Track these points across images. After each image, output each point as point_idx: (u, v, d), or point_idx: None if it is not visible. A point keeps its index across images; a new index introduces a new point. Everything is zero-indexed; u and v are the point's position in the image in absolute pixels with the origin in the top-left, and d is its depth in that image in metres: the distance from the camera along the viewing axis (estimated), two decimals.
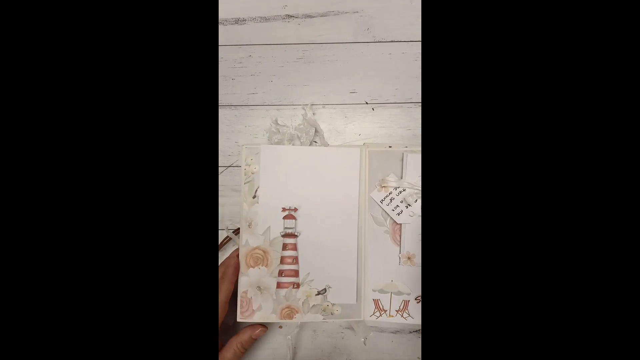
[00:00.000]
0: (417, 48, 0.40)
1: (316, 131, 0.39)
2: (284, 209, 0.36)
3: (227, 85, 0.40)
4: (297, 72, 0.40)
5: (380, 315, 0.36)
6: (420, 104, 0.40)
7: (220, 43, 0.40)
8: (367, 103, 0.40)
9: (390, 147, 0.37)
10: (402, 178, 0.36)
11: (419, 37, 0.40)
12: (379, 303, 0.36)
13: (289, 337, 0.37)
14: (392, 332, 0.39)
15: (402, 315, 0.36)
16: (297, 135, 0.37)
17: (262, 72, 0.40)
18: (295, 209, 0.36)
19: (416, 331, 0.39)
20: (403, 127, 0.40)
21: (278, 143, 0.37)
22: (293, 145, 0.37)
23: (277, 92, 0.40)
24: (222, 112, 0.40)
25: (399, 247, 0.36)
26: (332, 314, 0.36)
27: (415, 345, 0.39)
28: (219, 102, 0.40)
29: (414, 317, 0.36)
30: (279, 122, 0.39)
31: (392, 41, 0.40)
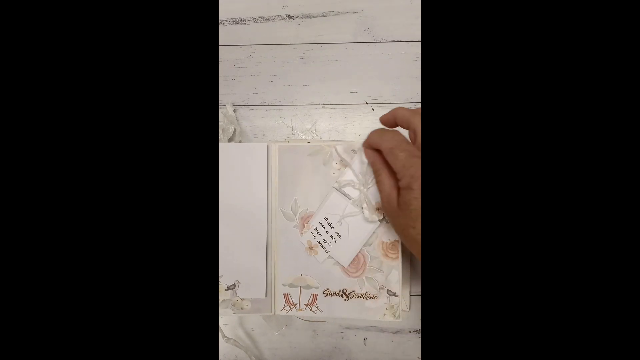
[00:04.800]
0: (417, 48, 0.40)
1: (235, 130, 0.39)
2: None
3: (227, 85, 0.40)
4: (297, 72, 0.40)
5: (291, 309, 0.37)
6: (420, 104, 0.40)
7: (220, 43, 0.40)
8: (367, 103, 0.40)
9: (308, 141, 0.38)
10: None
11: (419, 37, 0.40)
12: (289, 297, 0.37)
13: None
14: (392, 332, 0.39)
15: (310, 309, 0.36)
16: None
17: (262, 72, 0.40)
18: None
19: (416, 331, 0.39)
20: None
21: None
22: None
23: (277, 92, 0.40)
24: (222, 112, 0.40)
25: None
26: (241, 309, 0.36)
27: (415, 345, 0.39)
28: (219, 102, 0.40)
29: (323, 310, 0.36)
30: None
31: (392, 41, 0.40)
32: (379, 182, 0.32)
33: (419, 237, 0.28)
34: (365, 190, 0.35)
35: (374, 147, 0.32)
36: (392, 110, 0.32)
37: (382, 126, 0.33)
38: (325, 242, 0.36)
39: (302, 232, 0.36)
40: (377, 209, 0.35)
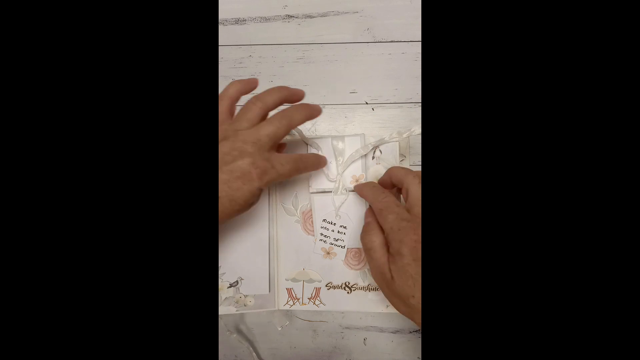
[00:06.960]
0: (417, 48, 0.40)
1: None
2: None
3: None
4: (297, 72, 0.40)
5: (294, 303, 0.37)
6: (420, 104, 0.40)
7: (220, 43, 0.40)
8: (367, 103, 0.40)
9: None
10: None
11: (419, 37, 0.40)
12: (292, 292, 0.37)
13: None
14: (392, 332, 0.39)
15: (314, 303, 0.37)
16: None
17: (262, 72, 0.40)
18: None
19: (416, 331, 0.39)
20: (403, 127, 0.40)
21: None
22: None
23: None
24: None
25: (310, 236, 0.37)
26: (245, 306, 0.36)
27: (415, 345, 0.39)
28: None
29: (326, 303, 0.36)
30: None
31: (392, 41, 0.40)
32: (368, 248, 0.30)
33: (420, 305, 0.26)
34: (340, 176, 0.36)
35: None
36: (387, 170, 0.32)
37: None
38: (336, 240, 0.36)
39: (315, 242, 0.37)
40: (358, 180, 0.36)
